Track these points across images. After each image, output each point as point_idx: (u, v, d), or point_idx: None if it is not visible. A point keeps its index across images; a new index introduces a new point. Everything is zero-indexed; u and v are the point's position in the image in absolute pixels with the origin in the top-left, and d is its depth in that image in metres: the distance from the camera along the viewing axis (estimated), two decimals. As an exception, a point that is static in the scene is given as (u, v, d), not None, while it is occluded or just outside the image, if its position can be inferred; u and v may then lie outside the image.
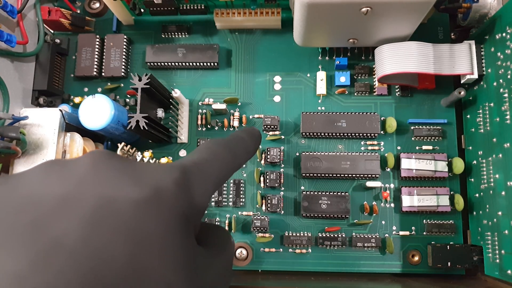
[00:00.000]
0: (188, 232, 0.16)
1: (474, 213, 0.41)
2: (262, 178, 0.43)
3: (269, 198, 0.42)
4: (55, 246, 0.13)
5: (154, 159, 0.43)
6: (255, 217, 0.42)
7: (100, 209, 0.14)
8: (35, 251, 0.13)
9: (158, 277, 0.14)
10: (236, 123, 0.45)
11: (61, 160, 0.17)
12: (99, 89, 0.47)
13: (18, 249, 0.13)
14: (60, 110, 0.37)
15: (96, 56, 0.46)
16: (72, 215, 0.14)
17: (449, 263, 0.40)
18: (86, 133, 0.39)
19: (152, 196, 0.15)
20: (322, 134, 0.43)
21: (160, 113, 0.44)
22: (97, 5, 0.48)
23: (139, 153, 0.42)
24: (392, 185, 0.43)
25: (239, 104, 0.45)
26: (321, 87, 0.45)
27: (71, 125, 0.39)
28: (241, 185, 0.43)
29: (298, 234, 0.42)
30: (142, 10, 0.47)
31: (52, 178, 0.16)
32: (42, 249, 0.13)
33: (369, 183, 0.42)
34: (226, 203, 0.43)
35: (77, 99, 0.45)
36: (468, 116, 0.43)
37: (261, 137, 0.25)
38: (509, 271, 0.34)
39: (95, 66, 0.46)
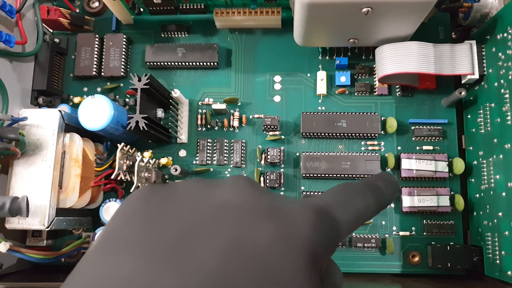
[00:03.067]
0: (315, 274, 0.16)
1: (475, 213, 0.41)
2: (262, 178, 0.43)
3: (269, 198, 0.42)
4: (197, 269, 0.14)
5: (154, 159, 0.43)
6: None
7: (236, 240, 0.15)
8: (179, 270, 0.14)
9: None
10: (236, 123, 0.45)
11: (207, 181, 0.19)
12: (99, 89, 0.47)
13: (166, 266, 0.14)
14: (60, 111, 0.37)
15: (96, 56, 0.46)
16: (213, 242, 0.15)
17: (449, 263, 0.40)
18: (85, 133, 0.39)
19: (286, 234, 0.16)
20: (322, 134, 0.43)
21: (160, 113, 0.44)
22: (96, 4, 0.48)
23: (139, 153, 0.42)
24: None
25: (239, 104, 0.45)
26: (321, 87, 0.44)
27: (71, 125, 0.38)
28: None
29: (298, 235, 0.42)
30: (141, 10, 0.47)
31: (196, 198, 0.17)
32: (186, 269, 0.14)
33: (369, 184, 0.42)
34: (226, 203, 0.43)
35: (76, 99, 0.45)
36: (469, 117, 0.43)
37: (399, 186, 0.24)
38: (509, 272, 0.34)
39: (95, 66, 0.46)
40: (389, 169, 0.43)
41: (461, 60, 0.39)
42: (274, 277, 0.14)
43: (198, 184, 0.18)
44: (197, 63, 0.45)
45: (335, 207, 0.19)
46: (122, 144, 0.40)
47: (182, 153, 0.45)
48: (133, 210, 0.17)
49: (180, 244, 0.15)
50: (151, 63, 0.46)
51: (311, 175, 0.42)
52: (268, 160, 0.43)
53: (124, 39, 0.46)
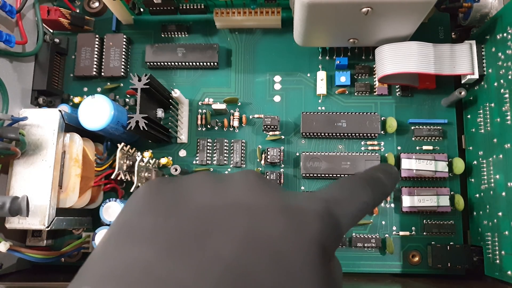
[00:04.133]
0: (325, 264, 0.17)
1: (474, 213, 0.41)
2: (262, 178, 0.43)
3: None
4: (214, 259, 0.14)
5: (154, 159, 0.43)
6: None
7: (250, 229, 0.15)
8: (196, 260, 0.14)
9: None
10: (236, 123, 0.45)
11: (217, 174, 0.19)
12: (99, 89, 0.47)
13: (183, 255, 0.14)
14: (60, 111, 0.37)
15: (96, 56, 0.46)
16: (229, 232, 0.15)
17: (449, 263, 0.40)
18: (85, 133, 0.39)
19: (297, 225, 0.16)
20: (322, 134, 0.43)
21: (160, 113, 0.44)
22: (97, 4, 0.48)
23: (139, 153, 0.42)
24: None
25: (239, 104, 0.45)
26: (321, 87, 0.44)
27: (71, 125, 0.38)
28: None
29: (298, 235, 0.42)
30: (141, 10, 0.47)
31: (210, 191, 0.17)
32: (202, 259, 0.14)
33: (369, 183, 0.42)
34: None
35: (76, 99, 0.45)
36: (469, 116, 0.43)
37: (399, 176, 0.25)
38: (509, 272, 0.34)
39: (95, 66, 0.46)
40: (389, 169, 0.43)
41: (461, 60, 0.39)
42: (288, 265, 0.15)
43: (208, 177, 0.19)
44: (197, 63, 0.45)
45: (340, 202, 0.19)
46: (122, 144, 0.40)
47: (182, 153, 0.45)
48: (146, 202, 0.17)
49: (196, 235, 0.15)
50: (151, 63, 0.46)
51: (311, 175, 0.42)
52: (268, 160, 0.43)
53: (124, 39, 0.46)
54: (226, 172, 0.44)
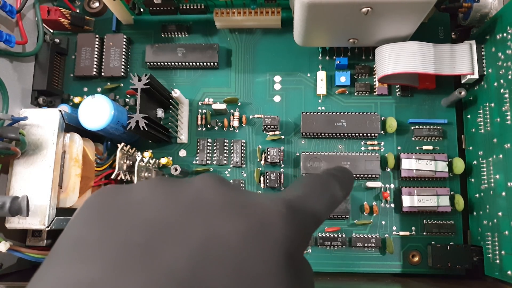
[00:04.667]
0: (293, 270, 0.15)
1: (474, 213, 0.41)
2: (262, 178, 0.43)
3: (269, 198, 0.42)
4: (167, 274, 0.13)
5: (154, 159, 0.43)
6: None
7: (207, 240, 0.14)
8: (148, 275, 0.13)
9: None
10: (236, 123, 0.45)
11: (172, 180, 0.17)
12: (99, 89, 0.47)
13: (133, 271, 0.13)
14: (60, 111, 0.37)
15: (96, 56, 0.46)
16: (182, 243, 0.14)
17: (449, 263, 0.40)
18: (85, 133, 0.39)
19: (258, 230, 0.15)
20: (322, 134, 0.43)
21: (160, 113, 0.44)
22: (97, 4, 0.48)
23: (139, 153, 0.42)
24: (392, 185, 0.43)
25: (239, 104, 0.45)
26: (321, 87, 0.44)
27: (71, 125, 0.38)
28: (241, 185, 0.43)
29: (298, 234, 0.42)
30: (141, 10, 0.47)
31: (162, 199, 0.16)
32: (154, 274, 0.13)
33: (369, 183, 0.42)
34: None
35: (76, 99, 0.45)
36: (469, 116, 0.43)
37: (353, 176, 0.24)
38: (509, 272, 0.34)
39: (95, 66, 0.46)
40: (389, 169, 0.43)
41: (461, 60, 0.39)
42: (250, 272, 0.14)
43: (162, 183, 0.17)
44: (197, 63, 0.45)
45: (306, 200, 0.18)
46: (122, 144, 0.40)
47: (182, 153, 0.45)
48: (94, 214, 0.16)
49: (147, 247, 0.14)
50: (151, 63, 0.46)
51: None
52: (268, 160, 0.43)
53: (124, 39, 0.46)
54: (226, 172, 0.44)
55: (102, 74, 0.46)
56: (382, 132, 0.44)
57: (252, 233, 0.15)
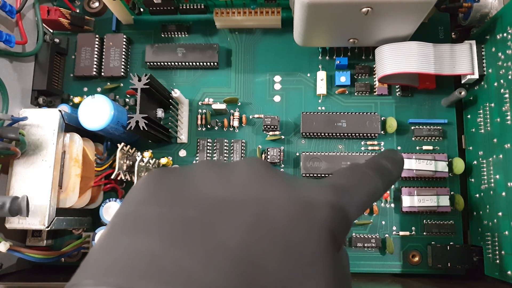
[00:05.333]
0: (336, 251, 0.16)
1: (474, 213, 0.41)
2: (262, 178, 0.43)
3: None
4: (221, 248, 0.14)
5: (154, 159, 0.43)
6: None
7: (258, 218, 0.15)
8: (204, 249, 0.13)
9: None
10: (236, 123, 0.45)
11: (220, 162, 0.19)
12: (99, 89, 0.47)
13: (190, 245, 0.14)
14: (60, 111, 0.37)
15: (96, 56, 0.46)
16: (235, 220, 0.15)
17: (449, 263, 0.40)
18: (85, 133, 0.39)
19: (306, 212, 0.16)
20: (322, 134, 0.43)
21: (160, 113, 0.44)
22: (97, 4, 0.48)
23: (139, 153, 0.42)
24: (392, 185, 0.43)
25: (239, 104, 0.45)
26: (321, 87, 0.44)
27: (71, 125, 0.38)
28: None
29: (298, 235, 0.42)
30: (141, 10, 0.47)
31: (217, 179, 0.17)
32: (210, 249, 0.13)
33: (369, 184, 0.42)
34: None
35: (76, 99, 0.45)
36: (469, 116, 0.43)
37: (404, 161, 0.25)
38: (509, 272, 0.34)
39: (95, 66, 0.46)
40: (389, 169, 0.43)
41: (461, 60, 0.39)
42: (298, 253, 0.14)
43: (211, 166, 0.18)
44: (197, 63, 0.45)
45: (349, 190, 0.19)
46: (122, 144, 0.40)
47: (182, 153, 0.45)
48: (150, 191, 0.17)
49: (202, 225, 0.14)
50: (151, 63, 0.46)
51: (311, 175, 0.42)
52: (268, 160, 0.43)
53: (124, 39, 0.46)
54: (226, 172, 0.44)
55: (102, 74, 0.46)
56: (382, 132, 0.44)
57: (300, 215, 0.16)
